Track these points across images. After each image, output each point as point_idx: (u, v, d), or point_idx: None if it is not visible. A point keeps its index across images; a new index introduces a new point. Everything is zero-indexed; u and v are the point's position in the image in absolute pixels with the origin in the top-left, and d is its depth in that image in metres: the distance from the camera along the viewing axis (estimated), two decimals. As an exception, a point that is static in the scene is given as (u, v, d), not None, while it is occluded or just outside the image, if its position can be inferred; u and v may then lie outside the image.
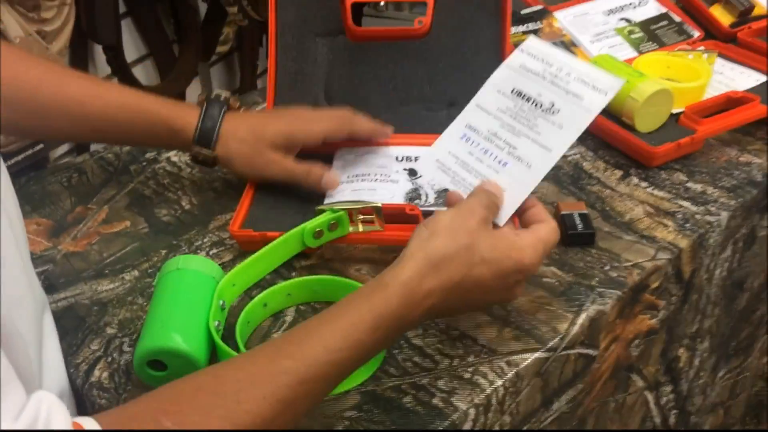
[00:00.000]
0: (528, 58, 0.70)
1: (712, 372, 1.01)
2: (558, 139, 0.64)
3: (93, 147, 1.11)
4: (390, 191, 0.80)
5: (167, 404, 0.47)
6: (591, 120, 0.64)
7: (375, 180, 0.82)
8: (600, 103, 0.64)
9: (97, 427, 0.43)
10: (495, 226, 0.63)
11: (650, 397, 0.90)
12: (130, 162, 0.91)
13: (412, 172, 0.82)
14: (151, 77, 1.87)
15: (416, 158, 0.84)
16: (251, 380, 0.49)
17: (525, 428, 0.69)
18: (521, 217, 0.64)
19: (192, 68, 1.96)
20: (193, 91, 2.04)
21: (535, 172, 0.64)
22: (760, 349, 1.13)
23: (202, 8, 2.19)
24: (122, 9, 1.91)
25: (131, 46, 1.80)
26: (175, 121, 0.76)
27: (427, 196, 0.80)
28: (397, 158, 0.85)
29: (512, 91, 0.69)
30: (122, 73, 1.67)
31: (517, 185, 0.64)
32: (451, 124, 0.72)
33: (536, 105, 0.67)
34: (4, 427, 0.39)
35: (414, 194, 0.79)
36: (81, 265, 0.76)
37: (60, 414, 0.42)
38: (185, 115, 0.76)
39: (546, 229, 0.61)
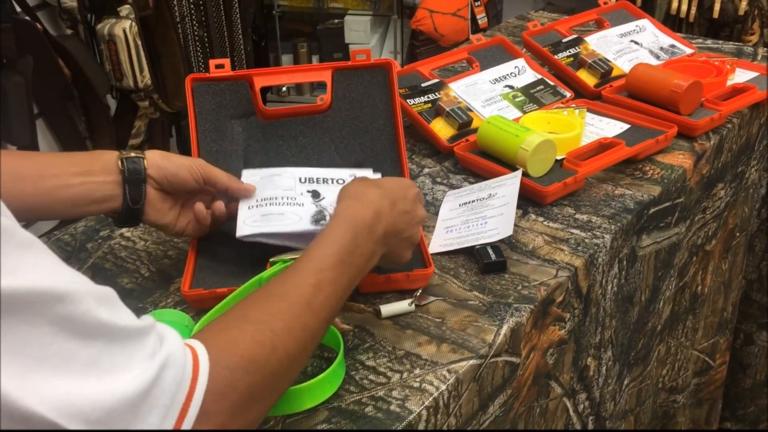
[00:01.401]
0: None
1: (618, 380, 1.16)
2: None
3: (47, 228, 1.17)
4: (297, 215, 0.89)
5: (238, 309, 0.65)
6: None
7: (282, 204, 0.91)
8: None
9: (199, 344, 0.57)
10: None
11: (569, 404, 1.04)
12: (86, 240, 0.99)
13: (315, 194, 0.93)
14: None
15: (317, 180, 0.95)
16: (285, 279, 0.69)
17: (468, 429, 0.81)
18: None
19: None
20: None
21: None
22: (656, 359, 1.29)
23: (112, 104, 2.28)
24: (34, 110, 1.97)
25: (45, 145, 1.86)
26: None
27: (330, 217, 0.91)
28: (300, 179, 0.95)
29: None
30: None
31: None
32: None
33: None
34: (135, 323, 0.52)
35: (319, 216, 0.90)
36: (56, 333, 0.83)
37: (167, 328, 0.55)
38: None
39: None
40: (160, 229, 0.88)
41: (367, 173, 0.98)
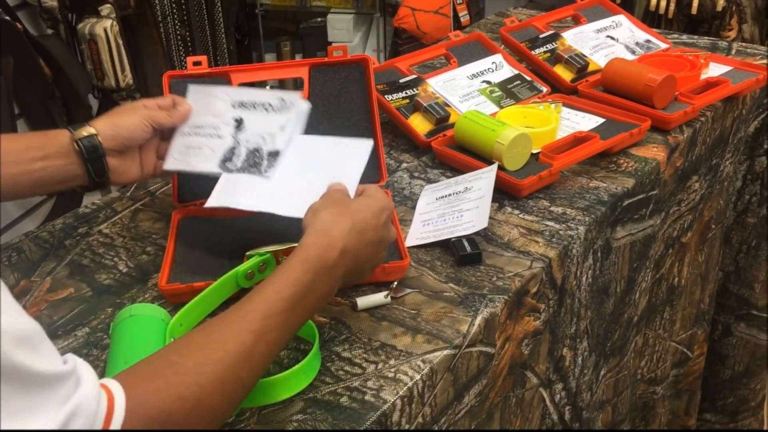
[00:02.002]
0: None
1: (594, 370, 1.17)
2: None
3: (26, 227, 1.17)
4: (212, 149, 0.91)
5: (171, 350, 0.63)
6: None
7: (205, 135, 0.92)
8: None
9: (119, 388, 0.55)
10: None
11: (545, 394, 1.05)
12: (64, 237, 1.00)
13: (239, 123, 0.92)
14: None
15: (247, 104, 0.93)
16: (228, 322, 0.65)
17: (443, 420, 0.82)
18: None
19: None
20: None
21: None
22: (633, 350, 1.31)
23: (94, 103, 2.27)
24: (15, 110, 1.97)
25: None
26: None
27: (240, 157, 0.91)
28: (233, 105, 0.94)
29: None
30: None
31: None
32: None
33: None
34: (52, 368, 0.50)
35: (229, 154, 0.90)
36: (34, 329, 0.84)
37: (88, 371, 0.53)
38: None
39: (372, 187, 0.82)
40: (130, 184, 0.92)
41: (296, 97, 0.93)
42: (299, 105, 0.92)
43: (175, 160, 0.92)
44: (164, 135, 0.94)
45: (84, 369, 0.53)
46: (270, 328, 0.65)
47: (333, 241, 0.72)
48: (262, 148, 0.90)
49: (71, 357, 0.53)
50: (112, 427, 0.52)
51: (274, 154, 0.90)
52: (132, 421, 0.54)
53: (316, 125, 1.05)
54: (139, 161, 0.92)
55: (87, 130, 0.86)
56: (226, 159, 0.90)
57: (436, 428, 0.80)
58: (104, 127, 0.87)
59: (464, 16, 3.05)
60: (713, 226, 1.43)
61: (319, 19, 3.25)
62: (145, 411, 0.55)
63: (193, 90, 0.96)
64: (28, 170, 0.83)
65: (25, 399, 0.48)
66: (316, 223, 0.74)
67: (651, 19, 2.53)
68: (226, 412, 0.64)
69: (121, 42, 2.15)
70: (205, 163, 0.91)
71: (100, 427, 0.52)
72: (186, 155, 0.92)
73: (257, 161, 0.90)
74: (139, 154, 0.92)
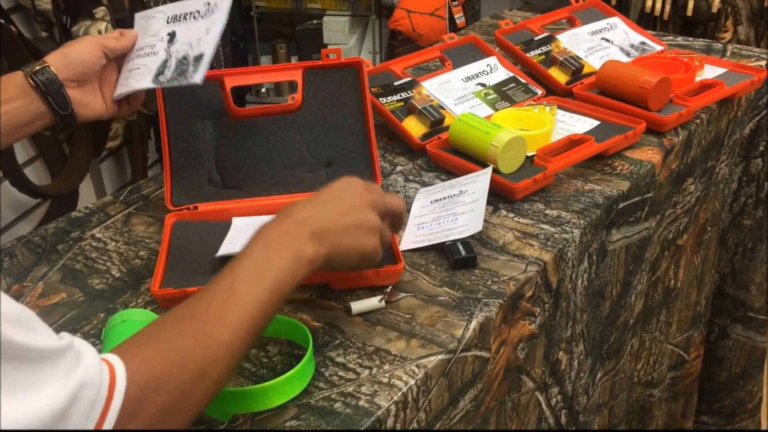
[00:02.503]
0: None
1: (590, 373, 1.17)
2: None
3: (19, 232, 1.16)
4: (147, 67, 0.92)
5: (151, 327, 0.63)
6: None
7: (142, 56, 0.93)
8: None
9: (117, 359, 0.56)
10: None
11: (541, 398, 1.05)
12: (57, 242, 0.99)
13: (172, 37, 0.93)
14: (42, 177, 1.92)
15: (178, 17, 0.94)
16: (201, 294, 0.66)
17: (438, 425, 0.81)
18: None
19: (83, 166, 2.01)
20: (86, 187, 2.10)
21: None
22: (630, 353, 1.31)
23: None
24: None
25: (21, 150, 1.85)
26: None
27: (170, 68, 0.91)
28: (167, 19, 0.94)
29: None
30: (14, 175, 1.71)
31: None
32: None
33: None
34: (51, 344, 0.51)
35: (162, 67, 0.91)
36: (26, 335, 0.83)
37: (86, 345, 0.55)
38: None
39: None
40: (99, 119, 0.91)
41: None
42: (223, 5, 0.91)
43: (120, 86, 0.93)
44: (120, 67, 0.95)
45: (82, 344, 0.55)
46: (241, 292, 0.66)
47: (285, 216, 0.73)
48: (189, 55, 0.90)
49: (66, 334, 0.54)
50: (115, 396, 0.54)
51: (199, 58, 0.89)
52: (131, 390, 0.55)
53: (310, 129, 1.04)
54: (101, 95, 0.93)
55: (39, 64, 0.87)
56: (159, 73, 0.91)
57: (431, 433, 0.80)
58: (55, 59, 0.88)
59: (460, 18, 3.05)
60: (709, 229, 1.43)
61: (314, 21, 3.25)
62: (141, 378, 0.56)
63: (138, 17, 0.98)
64: None
65: (27, 374, 0.49)
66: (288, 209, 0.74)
67: (646, 21, 2.53)
68: (216, 375, 0.63)
69: (115, 45, 2.14)
70: (141, 81, 0.92)
71: (104, 395, 0.53)
72: (127, 78, 0.93)
73: (184, 68, 0.90)
74: (100, 88, 0.93)
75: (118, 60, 0.95)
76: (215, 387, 0.63)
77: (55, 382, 0.50)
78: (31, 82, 0.85)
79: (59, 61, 0.87)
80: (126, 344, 0.61)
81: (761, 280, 1.61)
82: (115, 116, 0.97)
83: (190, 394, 0.60)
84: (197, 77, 0.87)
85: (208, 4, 0.92)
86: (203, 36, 0.90)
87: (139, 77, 0.92)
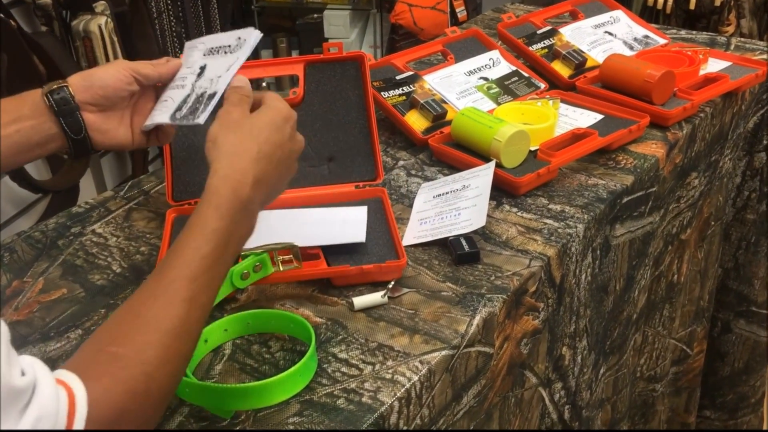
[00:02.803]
0: None
1: (594, 369, 1.16)
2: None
3: (19, 227, 1.15)
4: (173, 100, 0.85)
5: (107, 339, 0.59)
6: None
7: (173, 87, 0.87)
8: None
9: (78, 382, 0.53)
10: None
11: (545, 393, 1.04)
12: (57, 237, 0.98)
13: (201, 70, 0.87)
14: (42, 172, 1.91)
15: (213, 50, 0.88)
16: (156, 296, 0.62)
17: (441, 421, 0.81)
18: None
19: (84, 161, 2.01)
20: (87, 182, 2.09)
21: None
22: (633, 348, 1.30)
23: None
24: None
25: (22, 143, 1.84)
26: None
27: (188, 105, 0.84)
28: (205, 51, 0.89)
29: None
30: (13, 171, 1.71)
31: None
32: None
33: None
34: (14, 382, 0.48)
35: (182, 103, 0.84)
36: (26, 331, 0.83)
37: (42, 369, 0.52)
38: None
39: (269, 95, 0.77)
40: (122, 149, 0.85)
41: (249, 32, 0.86)
42: (250, 40, 0.86)
43: (148, 117, 0.87)
44: (158, 97, 0.88)
45: (38, 370, 0.52)
46: (199, 290, 0.63)
47: (242, 176, 0.69)
48: (206, 92, 0.84)
49: (29, 365, 0.51)
50: (75, 426, 0.51)
51: (211, 97, 0.83)
52: (92, 425, 0.53)
53: (311, 123, 1.04)
54: (129, 123, 0.85)
55: (58, 83, 0.81)
56: (178, 108, 0.85)
57: (435, 429, 0.79)
58: (76, 79, 0.82)
59: (461, 12, 3.04)
60: (712, 223, 1.42)
61: (315, 16, 3.23)
62: (103, 413, 0.54)
63: (186, 45, 0.92)
64: (3, 135, 0.78)
65: None
66: (221, 158, 0.70)
67: (649, 15, 2.52)
68: (174, 388, 0.62)
69: (116, 39, 2.13)
70: (161, 115, 0.85)
71: (64, 424, 0.51)
72: (155, 110, 0.87)
73: (197, 106, 0.83)
74: (132, 116, 0.86)
75: (158, 89, 0.88)
76: (172, 394, 0.62)
77: (8, 422, 0.48)
78: (46, 101, 0.80)
79: (80, 82, 0.82)
80: (86, 358, 0.58)
81: (764, 275, 1.61)
82: (141, 147, 0.89)
83: (154, 416, 0.60)
84: (201, 118, 0.81)
85: (239, 38, 0.87)
86: (223, 73, 0.84)
87: (162, 110, 0.86)
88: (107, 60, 2.13)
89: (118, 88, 0.83)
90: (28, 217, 1.85)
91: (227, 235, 0.66)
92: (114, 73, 0.83)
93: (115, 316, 0.62)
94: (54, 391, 0.51)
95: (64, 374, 0.54)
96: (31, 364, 0.51)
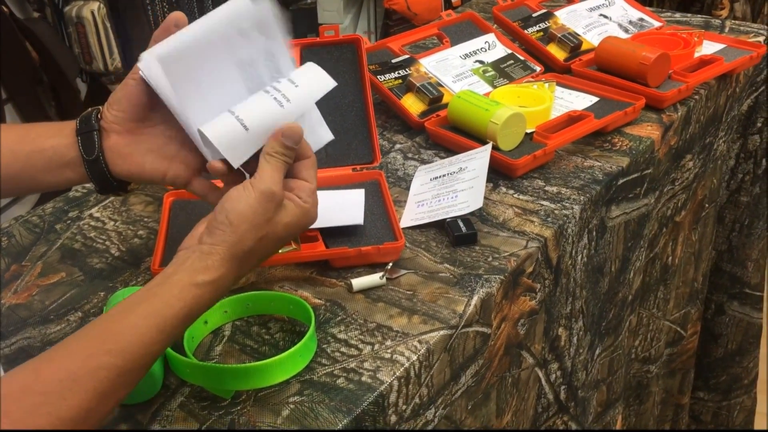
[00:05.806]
0: None
1: (589, 350, 1.17)
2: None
3: (15, 213, 1.16)
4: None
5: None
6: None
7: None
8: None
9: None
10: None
11: (541, 374, 1.05)
12: (55, 222, 0.99)
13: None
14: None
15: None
16: (73, 378, 0.54)
17: (439, 400, 0.81)
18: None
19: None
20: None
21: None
22: (628, 329, 1.31)
23: (82, 87, 2.25)
24: (2, 95, 1.95)
25: (16, 128, 1.84)
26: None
27: None
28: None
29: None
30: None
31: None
32: None
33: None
34: None
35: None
36: (26, 314, 0.83)
37: None
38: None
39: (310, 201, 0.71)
40: (140, 181, 0.77)
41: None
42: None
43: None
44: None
45: None
46: (121, 385, 0.58)
47: (237, 274, 0.67)
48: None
49: None
50: None
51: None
52: None
53: None
54: (161, 150, 0.74)
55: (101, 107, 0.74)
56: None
57: (433, 408, 0.80)
58: (114, 94, 0.74)
59: (455, -3, 3.03)
60: (707, 205, 1.43)
61: (308, 1, 3.22)
62: None
63: None
64: (42, 148, 0.72)
65: None
66: (230, 259, 0.66)
67: (643, -1, 2.52)
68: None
69: (108, 25, 2.12)
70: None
71: None
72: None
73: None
74: (165, 143, 0.75)
75: None
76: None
77: None
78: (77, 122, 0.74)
79: (112, 96, 0.73)
80: (17, 389, 0.52)
81: (758, 257, 1.62)
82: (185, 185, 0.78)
83: None
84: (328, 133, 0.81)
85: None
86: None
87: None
88: (100, 46, 2.12)
89: (131, 94, 0.72)
90: (23, 205, 1.84)
91: (179, 333, 0.64)
92: (133, 83, 0.73)
93: (14, 375, 0.55)
94: None
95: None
96: None
